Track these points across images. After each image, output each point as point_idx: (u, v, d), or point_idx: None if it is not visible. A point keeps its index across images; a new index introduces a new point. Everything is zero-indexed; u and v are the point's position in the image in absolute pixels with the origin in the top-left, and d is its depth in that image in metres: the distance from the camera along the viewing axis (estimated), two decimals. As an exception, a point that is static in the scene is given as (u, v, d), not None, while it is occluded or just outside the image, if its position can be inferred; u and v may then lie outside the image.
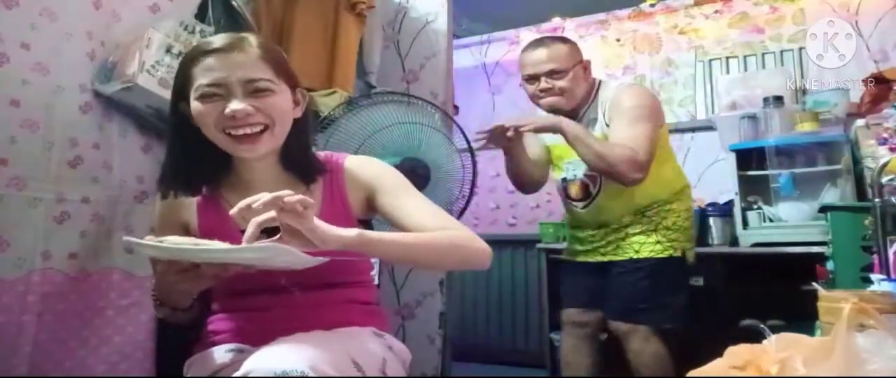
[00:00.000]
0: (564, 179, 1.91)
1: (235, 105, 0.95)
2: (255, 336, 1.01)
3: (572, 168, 1.88)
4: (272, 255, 0.82)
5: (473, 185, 1.75)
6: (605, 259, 1.87)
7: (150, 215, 1.50)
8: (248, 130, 0.97)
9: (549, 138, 1.90)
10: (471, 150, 1.75)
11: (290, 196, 0.79)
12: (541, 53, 1.81)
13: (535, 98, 1.84)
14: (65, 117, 1.38)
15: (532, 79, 1.82)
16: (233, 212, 0.81)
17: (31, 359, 1.28)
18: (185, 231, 1.09)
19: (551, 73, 1.79)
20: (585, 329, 1.92)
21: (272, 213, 0.80)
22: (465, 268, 1.03)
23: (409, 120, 1.72)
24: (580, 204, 1.89)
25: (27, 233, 1.30)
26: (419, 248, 0.96)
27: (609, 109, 1.77)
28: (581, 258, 1.94)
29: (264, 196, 0.80)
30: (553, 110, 1.81)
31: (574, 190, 1.89)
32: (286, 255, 0.81)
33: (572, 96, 1.80)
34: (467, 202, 1.76)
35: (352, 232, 0.87)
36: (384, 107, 1.73)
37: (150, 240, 0.82)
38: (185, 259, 0.84)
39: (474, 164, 1.74)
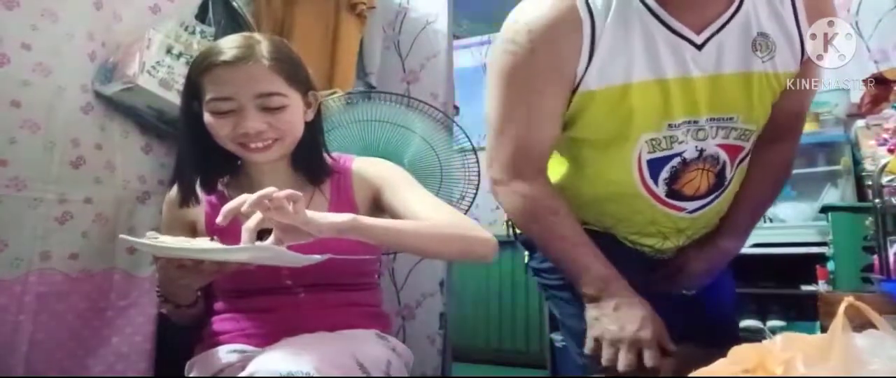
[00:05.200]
0: (675, 157, 0.97)
1: (249, 124, 0.96)
2: (260, 337, 1.01)
3: (693, 135, 0.96)
4: (267, 257, 0.82)
5: (478, 185, 1.73)
6: None
7: (154, 215, 1.50)
8: (260, 144, 0.98)
9: (637, 73, 0.92)
10: (474, 150, 1.74)
11: (277, 192, 0.78)
12: None
13: None
14: (66, 118, 1.37)
15: None
16: (219, 220, 0.79)
17: (27, 359, 1.27)
18: (192, 231, 1.10)
19: None
20: None
21: (259, 215, 0.79)
22: (469, 258, 0.99)
23: (386, 119, 1.67)
24: (693, 205, 1.02)
25: (26, 233, 1.30)
26: (418, 235, 0.93)
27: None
28: None
29: (251, 197, 0.78)
30: None
31: (695, 182, 0.99)
32: (281, 257, 0.81)
33: None
34: (471, 203, 1.74)
35: (345, 217, 0.85)
36: (378, 105, 1.72)
37: (150, 236, 0.82)
38: (181, 257, 0.84)
39: (478, 164, 1.72)
